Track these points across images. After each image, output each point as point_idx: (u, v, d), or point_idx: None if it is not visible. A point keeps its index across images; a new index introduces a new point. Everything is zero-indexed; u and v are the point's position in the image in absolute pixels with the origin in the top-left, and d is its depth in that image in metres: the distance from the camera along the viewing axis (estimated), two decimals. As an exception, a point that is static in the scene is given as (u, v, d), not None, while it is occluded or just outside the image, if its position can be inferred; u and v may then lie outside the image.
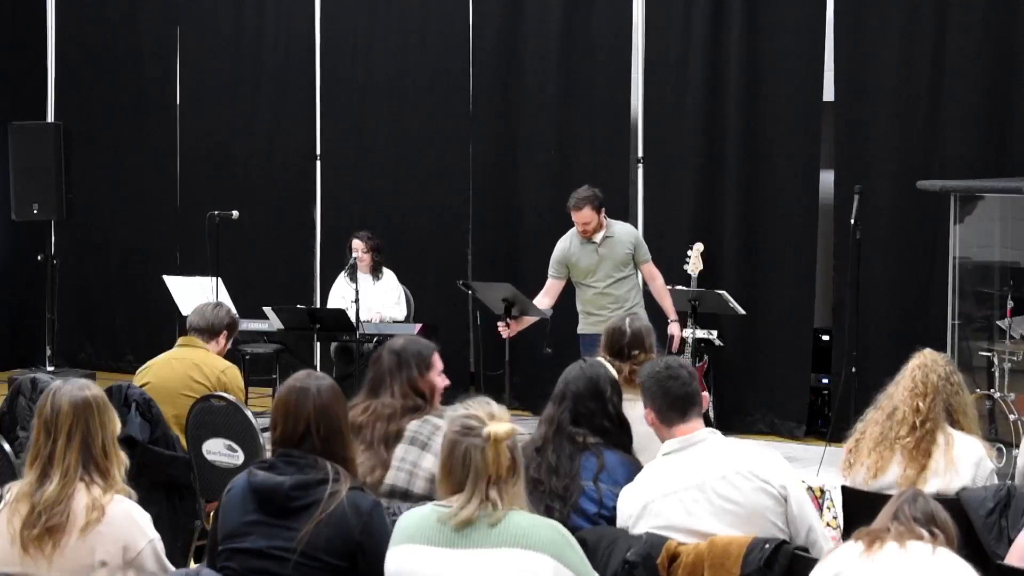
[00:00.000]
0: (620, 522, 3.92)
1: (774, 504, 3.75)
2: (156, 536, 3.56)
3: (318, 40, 10.51)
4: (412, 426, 4.22)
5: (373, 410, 4.32)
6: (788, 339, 8.84)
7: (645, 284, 7.99)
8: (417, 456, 4.14)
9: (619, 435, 4.29)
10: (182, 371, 5.88)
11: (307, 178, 10.59)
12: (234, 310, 6.50)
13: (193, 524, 5.47)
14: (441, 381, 4.48)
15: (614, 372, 4.52)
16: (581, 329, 7.88)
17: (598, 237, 7.80)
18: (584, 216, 7.75)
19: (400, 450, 4.18)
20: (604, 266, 7.79)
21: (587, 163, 9.39)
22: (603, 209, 7.81)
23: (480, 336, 9.82)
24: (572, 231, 7.88)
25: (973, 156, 8.34)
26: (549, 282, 7.94)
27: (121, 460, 3.61)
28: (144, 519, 3.55)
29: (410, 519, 3.35)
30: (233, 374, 5.95)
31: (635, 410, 4.65)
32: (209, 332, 6.05)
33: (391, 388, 4.36)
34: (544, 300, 7.90)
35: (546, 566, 3.18)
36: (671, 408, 3.91)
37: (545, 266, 7.95)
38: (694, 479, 3.80)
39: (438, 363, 4.48)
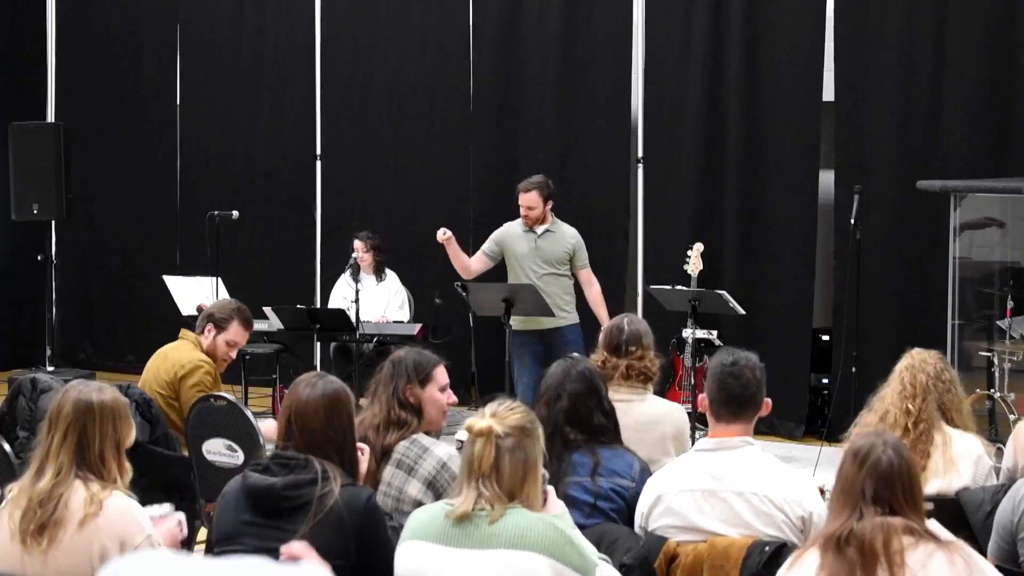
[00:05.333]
0: (638, 509, 3.93)
1: (781, 533, 3.68)
2: (155, 533, 3.56)
3: (318, 40, 10.51)
4: (400, 447, 4.10)
5: (361, 420, 4.11)
6: (788, 339, 8.84)
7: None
8: (403, 482, 4.06)
9: (614, 429, 4.30)
10: (154, 366, 5.91)
11: (307, 178, 10.59)
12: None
13: (193, 524, 5.47)
14: (444, 397, 4.25)
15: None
16: (513, 325, 7.90)
17: (539, 229, 7.89)
18: (530, 199, 7.87)
19: (387, 473, 4.08)
20: (537, 258, 7.87)
21: (587, 163, 9.39)
22: (551, 202, 7.96)
23: (480, 337, 9.83)
24: (516, 220, 8.04)
25: (973, 156, 8.34)
26: (478, 254, 8.13)
27: (124, 470, 3.60)
28: (143, 516, 3.56)
29: (420, 515, 3.38)
30: (194, 369, 5.78)
31: (629, 414, 4.67)
32: (207, 320, 5.99)
33: (380, 398, 4.19)
34: (472, 264, 8.08)
35: (542, 566, 3.19)
36: (722, 405, 3.82)
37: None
38: (712, 484, 3.76)
39: (440, 377, 4.24)
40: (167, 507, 3.74)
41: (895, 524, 2.98)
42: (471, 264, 8.11)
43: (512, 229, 8.06)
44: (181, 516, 3.78)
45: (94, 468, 3.53)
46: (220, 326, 5.94)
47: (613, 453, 4.21)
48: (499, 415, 3.30)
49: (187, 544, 4.05)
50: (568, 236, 8.01)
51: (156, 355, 5.98)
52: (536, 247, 7.93)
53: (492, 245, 8.08)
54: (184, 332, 6.05)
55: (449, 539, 3.26)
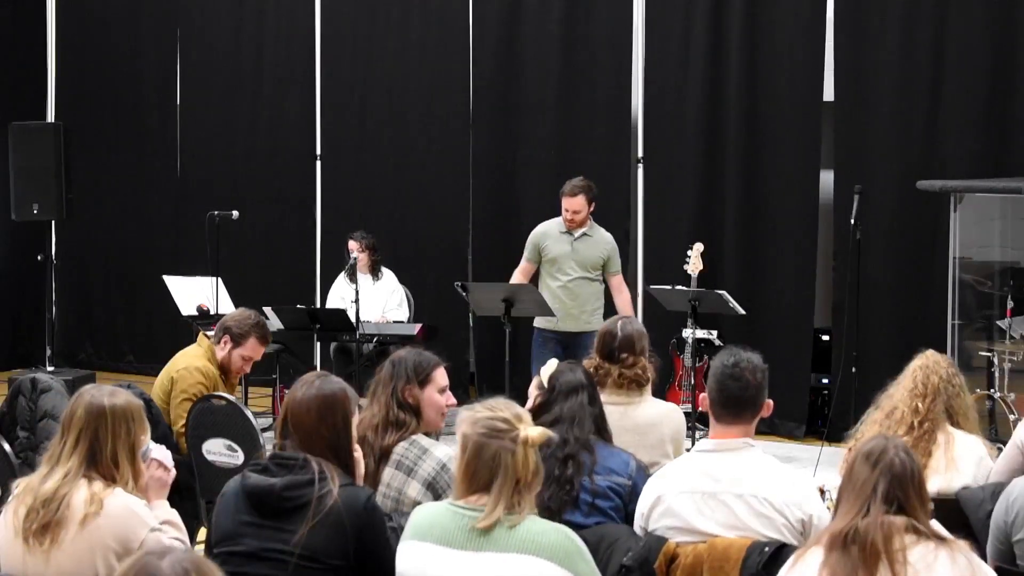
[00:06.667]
0: (638, 509, 3.92)
1: (781, 536, 3.67)
2: (159, 525, 3.56)
3: (318, 40, 10.51)
4: (399, 448, 4.10)
5: (360, 421, 4.01)
6: (788, 339, 8.84)
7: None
8: (402, 483, 4.06)
9: (607, 429, 4.33)
10: (165, 368, 5.92)
11: (307, 178, 10.59)
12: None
13: (193, 524, 5.47)
14: (442, 399, 4.23)
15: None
16: (537, 323, 7.92)
17: (577, 232, 7.86)
18: (576, 203, 7.83)
19: (387, 474, 4.07)
20: (573, 261, 7.84)
21: (587, 163, 9.38)
22: (593, 205, 7.86)
23: (480, 336, 9.84)
24: (554, 220, 7.97)
25: (973, 156, 8.35)
26: (522, 264, 8.07)
27: (139, 472, 3.60)
28: (145, 511, 3.56)
29: (424, 515, 3.35)
30: (183, 376, 5.79)
31: (627, 417, 4.67)
32: (224, 332, 5.97)
33: (380, 397, 4.18)
34: (518, 278, 8.02)
35: (551, 574, 3.18)
36: (721, 406, 3.80)
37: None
38: (712, 487, 3.74)
39: (440, 379, 4.23)
40: (146, 447, 3.69)
41: (897, 523, 2.98)
42: (519, 279, 8.01)
43: (549, 229, 8.00)
44: (161, 455, 3.72)
45: (106, 471, 3.53)
46: (236, 340, 5.90)
47: (609, 452, 4.22)
48: (525, 419, 3.27)
49: (177, 489, 4.01)
50: (605, 241, 7.96)
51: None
52: (573, 249, 7.89)
53: (532, 250, 8.00)
54: (201, 338, 6.03)
55: (454, 541, 3.23)
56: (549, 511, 3.92)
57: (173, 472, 3.76)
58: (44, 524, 3.47)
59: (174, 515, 3.69)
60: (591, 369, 4.73)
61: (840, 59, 8.78)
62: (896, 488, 3.02)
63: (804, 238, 8.90)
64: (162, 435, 5.39)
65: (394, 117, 10.24)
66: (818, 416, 8.78)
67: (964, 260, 7.87)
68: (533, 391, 4.49)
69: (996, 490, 4.26)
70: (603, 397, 4.50)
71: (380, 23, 10.28)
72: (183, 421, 5.67)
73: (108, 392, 3.64)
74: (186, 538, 3.67)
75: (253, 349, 5.93)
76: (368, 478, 3.97)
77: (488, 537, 3.20)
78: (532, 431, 3.24)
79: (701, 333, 8.21)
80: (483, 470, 3.23)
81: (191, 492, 5.49)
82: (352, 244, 9.09)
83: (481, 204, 9.95)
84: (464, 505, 3.25)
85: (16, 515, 3.51)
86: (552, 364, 4.49)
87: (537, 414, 4.25)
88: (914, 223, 8.51)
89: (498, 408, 3.29)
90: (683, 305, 7.85)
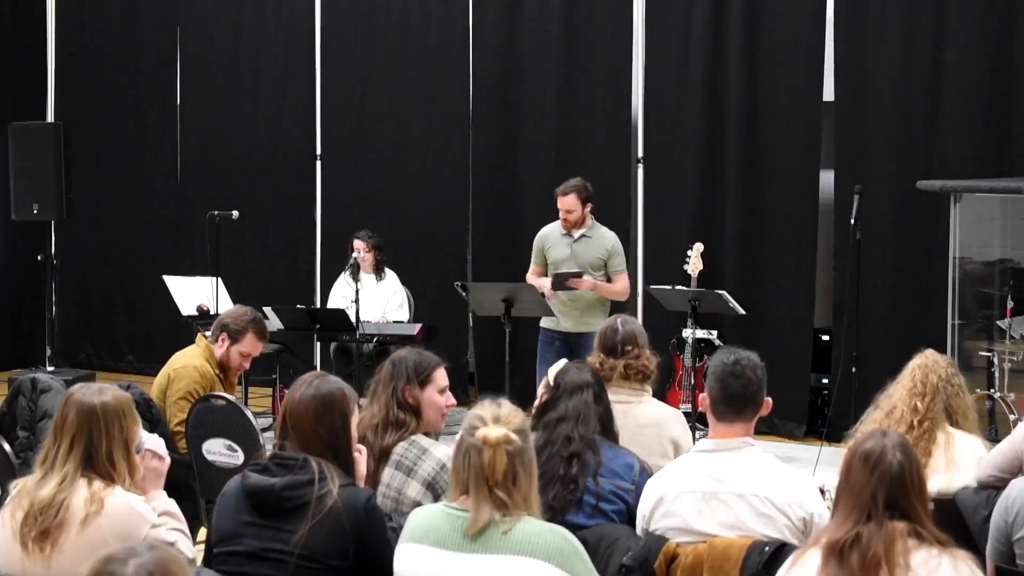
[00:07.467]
0: (639, 511, 3.92)
1: (782, 536, 3.66)
2: (160, 520, 3.56)
3: (318, 40, 10.51)
4: (399, 448, 4.11)
5: (360, 420, 3.99)
6: (788, 339, 8.84)
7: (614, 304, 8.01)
8: (402, 483, 4.06)
9: (613, 429, 4.32)
10: (163, 369, 5.93)
11: (307, 178, 10.59)
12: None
13: (193, 524, 5.47)
14: (442, 399, 4.24)
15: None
16: (543, 323, 7.93)
17: (576, 233, 7.85)
18: (568, 203, 7.80)
19: (386, 474, 4.08)
20: (572, 263, 7.84)
21: (587, 163, 9.39)
22: (589, 204, 7.86)
23: (480, 336, 9.84)
24: (556, 222, 7.95)
25: (973, 156, 8.35)
26: (532, 267, 8.06)
27: (135, 468, 3.60)
28: (145, 508, 3.56)
29: (420, 517, 3.35)
30: (180, 375, 5.81)
31: (629, 416, 4.66)
32: (221, 330, 5.98)
33: (380, 397, 4.19)
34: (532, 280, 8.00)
35: (548, 575, 3.17)
36: (724, 404, 3.79)
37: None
38: (714, 486, 3.74)
39: (440, 379, 4.23)
40: (138, 440, 3.68)
41: (899, 528, 2.96)
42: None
43: (550, 232, 7.99)
44: (153, 444, 3.72)
45: (103, 470, 3.53)
46: (234, 337, 5.90)
47: (614, 454, 4.21)
48: (503, 419, 3.26)
49: (177, 489, 4.01)
50: (604, 241, 7.90)
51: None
52: (572, 251, 7.87)
53: (537, 254, 8.00)
54: (199, 338, 6.03)
55: (451, 543, 3.23)
56: (552, 511, 3.92)
57: (168, 459, 3.76)
58: (43, 530, 3.46)
59: (172, 505, 3.69)
60: (596, 366, 4.73)
61: (840, 59, 8.78)
62: (896, 493, 2.99)
63: (804, 238, 8.89)
64: (162, 435, 5.39)
65: (394, 117, 10.24)
66: (818, 416, 8.78)
67: (964, 260, 7.87)
68: (542, 391, 4.49)
69: (991, 495, 4.26)
70: (608, 395, 4.50)
71: (380, 23, 10.28)
72: (178, 419, 5.68)
73: (96, 390, 3.62)
74: (186, 527, 3.67)
75: (251, 345, 5.94)
76: (368, 478, 3.97)
77: (484, 539, 3.19)
78: (488, 431, 3.20)
79: (701, 333, 8.21)
80: (460, 468, 3.25)
81: (191, 492, 5.49)
82: (358, 243, 9.08)
83: (481, 204, 9.95)
84: (458, 507, 3.25)
85: (13, 519, 3.50)
86: (561, 364, 4.49)
87: (542, 412, 4.25)
88: (914, 223, 8.51)
89: (484, 406, 3.30)
90: (683, 305, 7.85)
